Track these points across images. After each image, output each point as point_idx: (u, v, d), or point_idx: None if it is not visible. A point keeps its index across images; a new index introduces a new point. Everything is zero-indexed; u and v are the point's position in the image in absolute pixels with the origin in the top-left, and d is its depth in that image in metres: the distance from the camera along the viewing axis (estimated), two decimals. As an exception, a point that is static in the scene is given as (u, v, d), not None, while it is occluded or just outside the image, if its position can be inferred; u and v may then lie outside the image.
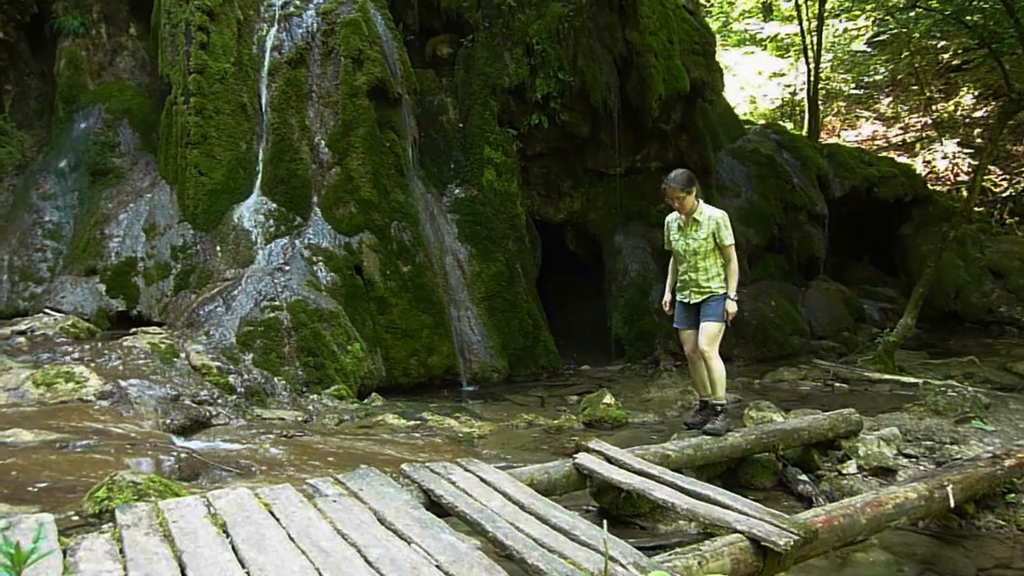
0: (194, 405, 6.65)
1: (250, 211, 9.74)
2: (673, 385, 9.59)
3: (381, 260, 9.88)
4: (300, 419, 7.15)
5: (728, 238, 5.36)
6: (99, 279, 9.45)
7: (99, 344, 7.69)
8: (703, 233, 5.39)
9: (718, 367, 5.38)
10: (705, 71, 13.88)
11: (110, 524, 3.27)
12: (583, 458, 4.48)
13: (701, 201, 5.48)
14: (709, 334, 5.34)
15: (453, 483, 3.94)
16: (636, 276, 12.50)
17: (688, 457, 4.97)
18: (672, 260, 5.76)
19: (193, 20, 10.01)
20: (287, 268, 9.21)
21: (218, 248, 9.50)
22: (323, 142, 10.28)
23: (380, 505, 3.56)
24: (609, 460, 4.49)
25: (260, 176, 10.08)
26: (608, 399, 7.73)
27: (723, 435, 5.16)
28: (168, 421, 6.17)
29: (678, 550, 3.40)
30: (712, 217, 5.39)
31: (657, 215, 13.27)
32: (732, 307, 5.35)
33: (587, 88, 12.22)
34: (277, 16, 10.85)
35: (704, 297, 5.41)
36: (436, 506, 3.74)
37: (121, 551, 2.99)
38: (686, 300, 5.54)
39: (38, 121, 11.69)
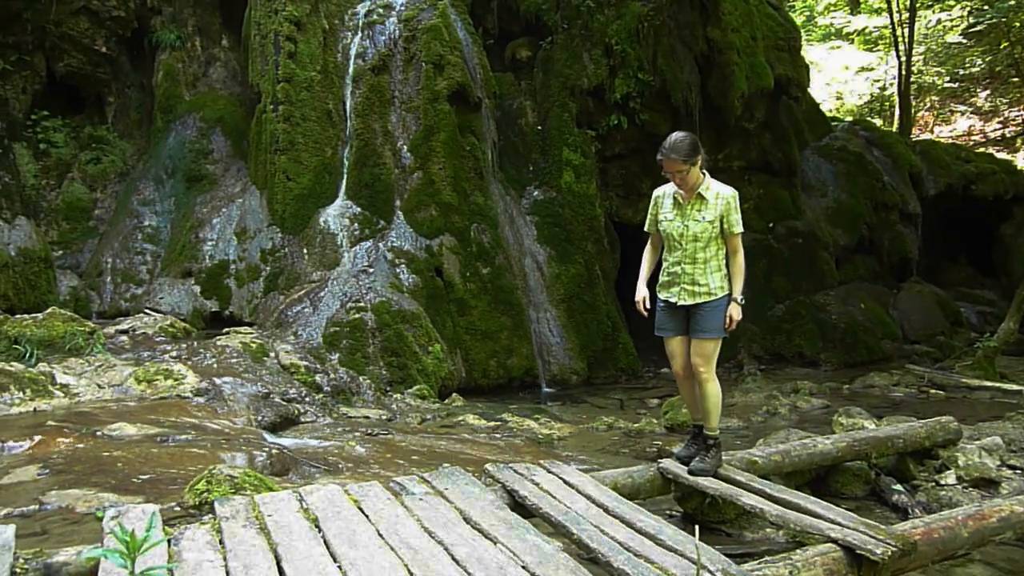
0: (283, 403, 6.87)
1: (336, 215, 10.02)
2: (757, 390, 9.35)
3: (461, 262, 10.00)
4: (384, 418, 7.30)
5: (739, 224, 4.26)
6: (194, 281, 9.90)
7: (195, 343, 8.04)
8: (709, 215, 4.22)
9: (714, 391, 4.37)
10: (790, 67, 13.51)
11: (210, 516, 3.41)
12: (668, 463, 4.42)
13: (707, 174, 4.33)
14: (706, 352, 4.28)
15: (537, 484, 3.95)
16: (718, 278, 12.24)
17: (775, 464, 4.84)
18: (648, 247, 4.63)
19: (281, 31, 10.36)
20: (371, 270, 9.42)
21: (305, 251, 9.81)
22: (405, 147, 10.48)
23: (465, 504, 3.60)
24: (694, 465, 4.41)
25: (345, 181, 10.36)
26: (690, 403, 7.59)
27: (712, 472, 4.28)
28: (259, 418, 6.40)
29: (768, 558, 3.32)
30: (722, 195, 4.23)
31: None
32: (737, 313, 4.27)
33: (667, 87, 12.07)
34: (361, 24, 11.13)
35: (698, 300, 4.27)
36: (520, 507, 3.75)
37: (221, 542, 3.12)
38: (674, 300, 4.35)
39: (138, 131, 12.32)
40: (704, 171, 4.29)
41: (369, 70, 10.75)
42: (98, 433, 5.38)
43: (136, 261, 10.41)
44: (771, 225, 13.08)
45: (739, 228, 4.28)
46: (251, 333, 8.32)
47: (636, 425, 7.62)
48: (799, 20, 22.87)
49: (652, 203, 4.52)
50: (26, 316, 7.41)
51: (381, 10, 11.22)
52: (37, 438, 5.16)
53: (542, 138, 11.88)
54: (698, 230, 4.26)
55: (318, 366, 7.93)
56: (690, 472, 4.29)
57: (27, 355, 6.77)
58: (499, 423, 7.51)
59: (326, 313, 8.71)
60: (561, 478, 4.08)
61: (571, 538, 3.45)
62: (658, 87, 12.01)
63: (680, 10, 12.25)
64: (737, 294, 4.29)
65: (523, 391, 9.96)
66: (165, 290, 9.81)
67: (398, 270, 9.61)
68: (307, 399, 7.27)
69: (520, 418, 7.73)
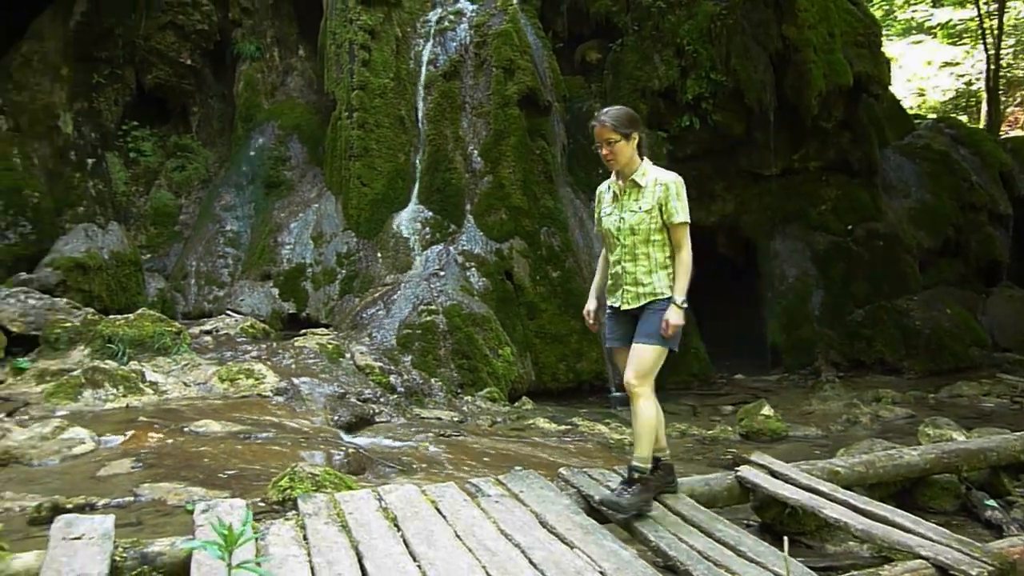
0: (359, 403, 7.02)
1: (408, 219, 10.18)
2: (836, 398, 9.07)
3: (531, 265, 10.02)
4: (455, 419, 7.38)
5: (680, 213, 3.70)
6: (272, 283, 10.21)
7: (273, 344, 8.30)
8: (646, 203, 3.74)
9: (648, 412, 3.73)
10: (870, 64, 13.06)
11: (293, 512, 3.51)
12: (746, 471, 4.33)
13: (647, 160, 3.85)
14: (642, 361, 3.70)
15: (612, 490, 3.92)
16: (794, 282, 11.95)
17: (859, 475, 4.67)
18: (603, 253, 4.19)
19: (356, 39, 10.60)
20: (442, 274, 9.54)
21: (379, 254, 10.00)
22: (476, 151, 10.57)
23: (541, 508, 3.61)
24: (774, 474, 4.31)
25: (417, 185, 10.52)
26: (767, 410, 7.43)
27: (628, 512, 3.60)
28: (336, 417, 6.55)
29: (854, 573, 3.22)
30: (660, 181, 3.75)
31: (818, 217, 12.66)
32: (676, 317, 3.66)
33: (741, 87, 11.83)
34: (432, 31, 11.29)
35: (643, 302, 3.77)
36: (595, 512, 3.73)
37: (304, 538, 3.22)
38: (616, 304, 3.89)
39: (220, 139, 12.79)
40: (644, 157, 3.84)
41: (440, 76, 10.89)
42: (185, 429, 5.61)
43: (218, 264, 10.80)
44: (850, 227, 12.67)
45: (680, 217, 3.71)
46: (327, 335, 8.53)
47: (710, 432, 7.49)
48: (878, 14, 22.11)
49: (595, 201, 4.13)
50: (118, 316, 7.78)
51: (452, 17, 11.35)
52: (130, 433, 5.42)
53: (612, 141, 11.80)
54: (634, 222, 3.76)
55: (392, 367, 8.07)
56: (598, 502, 3.70)
57: (119, 354, 7.11)
58: (569, 427, 7.49)
59: (399, 316, 8.86)
60: (636, 484, 4.04)
61: (648, 545, 3.42)
62: (731, 87, 11.79)
63: (754, 8, 11.99)
64: (679, 295, 3.70)
65: (592, 395, 9.91)
66: (245, 292, 10.15)
67: (468, 273, 9.69)
68: (381, 399, 7.41)
69: (590, 422, 7.70)
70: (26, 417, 5.79)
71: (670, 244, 3.79)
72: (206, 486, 4.36)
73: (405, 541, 3.21)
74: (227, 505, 3.47)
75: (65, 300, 8.08)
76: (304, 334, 8.55)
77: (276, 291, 10.14)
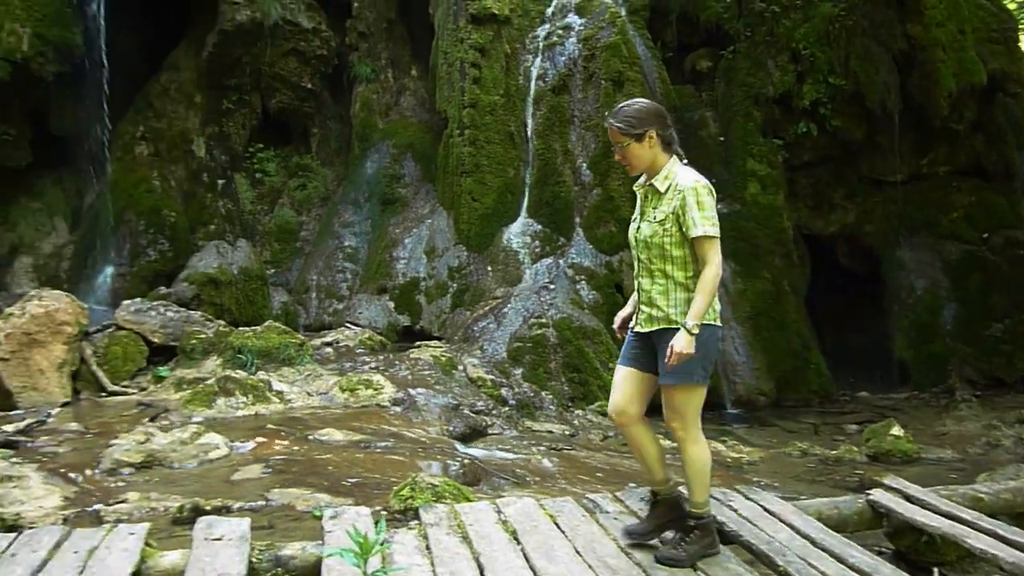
0: (472, 415, 7.13)
1: (518, 233, 10.30)
2: (974, 418, 8.47)
3: (642, 278, 9.90)
4: (567, 433, 7.36)
5: (700, 224, 3.14)
6: (388, 297, 10.55)
7: (390, 355, 8.55)
8: (661, 213, 3.25)
9: (697, 456, 3.36)
10: (1005, 60, 12.20)
11: (416, 522, 3.59)
12: (879, 495, 4.10)
13: (675, 160, 3.32)
14: (673, 404, 3.28)
15: (734, 510, 3.81)
16: (923, 294, 11.26)
17: (1005, 502, 4.34)
18: None
19: (467, 58, 10.84)
20: (552, 287, 9.57)
21: (489, 268, 10.15)
22: (584, 164, 10.58)
23: (661, 526, 3.54)
24: (909, 499, 4.06)
25: (527, 199, 10.62)
26: (896, 430, 7.03)
27: (689, 564, 3.20)
28: (451, 428, 6.67)
29: (1007, 609, 2.98)
30: (681, 188, 3.21)
31: (949, 225, 11.90)
32: (682, 344, 3.11)
33: (861, 90, 11.31)
34: (541, 47, 11.40)
35: (655, 327, 3.30)
36: (718, 532, 3.62)
37: (427, 548, 3.28)
38: (634, 325, 3.46)
39: (338, 158, 13.34)
40: (674, 156, 3.32)
41: (549, 91, 10.97)
42: (310, 437, 5.85)
43: (337, 278, 11.26)
44: (985, 236, 11.83)
45: (698, 230, 3.14)
46: (440, 347, 8.71)
47: (834, 452, 7.15)
48: (1013, 7, 20.64)
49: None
50: (247, 329, 8.22)
51: (561, 31, 11.42)
52: (259, 440, 5.70)
53: (724, 149, 11.54)
54: (648, 234, 3.28)
55: (503, 380, 8.15)
56: (658, 560, 3.24)
57: (248, 364, 7.51)
58: (684, 443, 7.32)
59: (510, 328, 8.94)
60: (760, 505, 3.91)
61: (776, 569, 3.29)
62: (851, 90, 11.29)
63: (875, 8, 11.45)
64: (691, 319, 3.13)
65: (707, 411, 9.57)
66: (363, 305, 10.53)
67: (578, 286, 9.68)
68: (493, 411, 7.49)
69: (706, 439, 7.49)
70: (167, 422, 6.20)
71: (695, 262, 3.23)
72: (331, 493, 4.52)
73: (525, 555, 3.22)
74: (353, 513, 3.58)
75: (199, 313, 8.62)
76: (418, 346, 8.77)
77: (392, 304, 10.46)
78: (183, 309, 8.48)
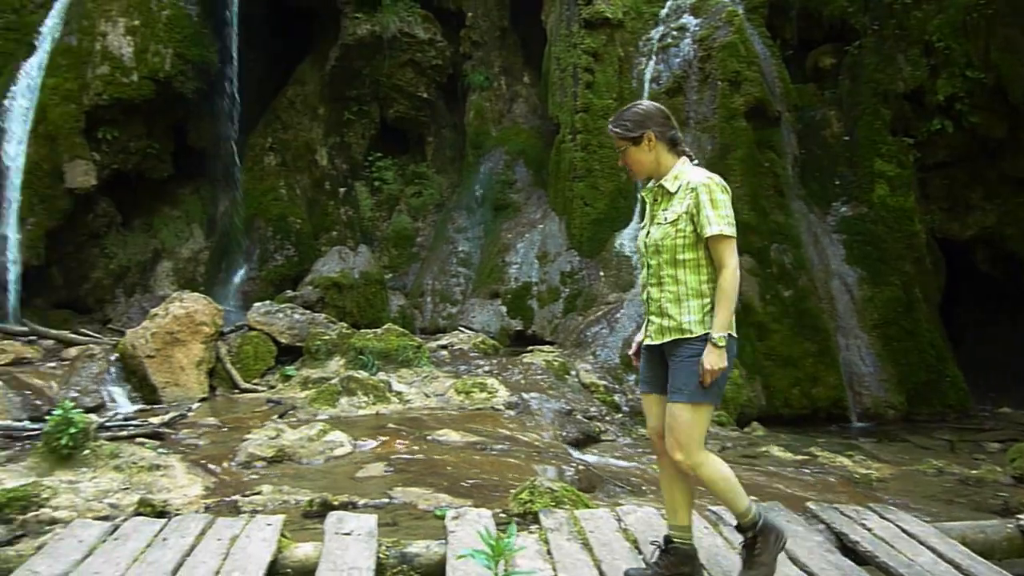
0: (585, 420, 7.10)
1: (630, 238, 10.18)
2: None
3: (760, 284, 9.59)
4: (683, 442, 7.21)
5: (715, 223, 2.95)
6: (501, 301, 10.68)
7: (503, 359, 8.65)
8: (671, 213, 3.05)
9: (715, 475, 3.02)
10: None
11: (536, 526, 3.61)
12: (1031, 519, 3.80)
13: (685, 159, 3.15)
14: (678, 427, 2.98)
15: (869, 530, 3.62)
16: (1077, 302, 10.36)
17: None
18: None
19: (580, 63, 10.84)
20: (666, 292, 9.40)
21: (601, 273, 10.10)
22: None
23: (789, 543, 3.40)
24: (1067, 525, 3.74)
25: (639, 204, 10.50)
26: (1046, 450, 6.47)
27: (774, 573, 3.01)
28: (564, 433, 6.67)
29: None
30: (693, 185, 3.02)
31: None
32: (714, 359, 2.91)
33: (1003, 84, 10.53)
34: (655, 49, 11.24)
35: (667, 338, 3.05)
36: (850, 552, 3.46)
37: (548, 552, 3.29)
38: (643, 338, 3.22)
39: (451, 166, 13.64)
40: (683, 156, 3.13)
41: (663, 93, 10.80)
42: (428, 438, 6.00)
43: (451, 283, 11.51)
44: None
45: (714, 228, 2.93)
46: (553, 352, 8.74)
47: (974, 472, 6.66)
48: None
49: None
50: (367, 331, 8.52)
51: (675, 33, 11.23)
52: (381, 439, 5.89)
53: (850, 149, 11.02)
54: (658, 237, 3.06)
55: (616, 386, 8.09)
56: None
57: (369, 365, 7.77)
58: (807, 457, 7.03)
59: (622, 334, 8.85)
60: (897, 525, 3.70)
61: (917, 594, 3.11)
62: (991, 84, 10.53)
63: (1020, -5, 10.66)
64: (717, 331, 2.93)
65: (830, 423, 9.23)
66: (476, 309, 10.70)
67: (694, 292, 9.48)
68: (606, 418, 7.44)
69: (831, 453, 7.17)
70: (294, 419, 6.51)
71: (709, 266, 3.02)
72: (451, 493, 4.61)
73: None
74: (475, 514, 3.64)
75: (323, 315, 9.02)
76: (531, 350, 8.83)
77: (504, 308, 10.58)
78: (308, 311, 8.89)
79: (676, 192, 3.07)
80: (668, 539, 3.14)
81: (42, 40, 11.37)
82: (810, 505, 3.96)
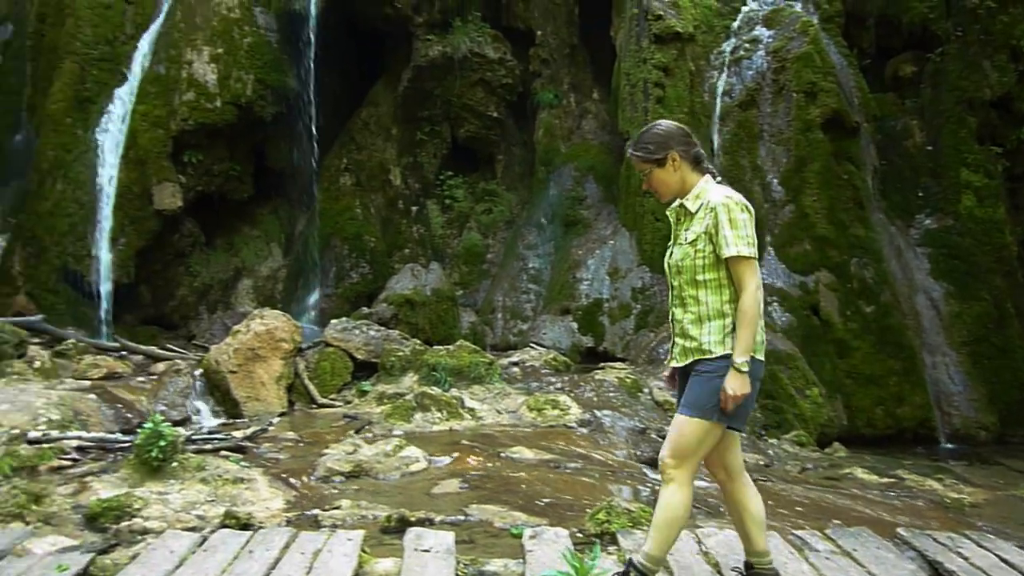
0: (659, 439, 6.98)
1: (702, 253, 10.03)
2: None
3: (840, 300, 9.31)
4: (760, 463, 7.02)
5: (733, 244, 2.93)
6: (571, 318, 10.64)
7: (574, 376, 8.60)
8: (692, 234, 3.06)
9: (673, 501, 3.00)
10: None
11: (614, 547, 3.57)
12: None
13: (708, 178, 3.13)
14: (679, 437, 3.00)
15: (965, 559, 3.45)
16: None
17: None
18: None
19: (650, 78, 10.78)
20: (740, 308, 9.21)
21: (673, 289, 9.96)
22: (775, 180, 10.14)
23: (880, 570, 3.29)
24: None
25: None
26: None
27: None
28: (638, 452, 6.58)
29: None
30: (712, 204, 3.00)
31: None
32: (735, 385, 2.89)
33: (1101, 88, 10.02)
34: (727, 61, 11.10)
35: (690, 359, 3.06)
36: (947, 582, 3.31)
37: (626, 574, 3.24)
38: (669, 360, 3.25)
39: (521, 183, 13.71)
40: (706, 175, 3.12)
41: (736, 106, 10.65)
42: (502, 455, 6.00)
43: (522, 300, 11.55)
44: None
45: (732, 250, 2.91)
46: (625, 369, 8.65)
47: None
48: None
49: None
50: (440, 347, 8.60)
51: (748, 45, 11.07)
52: (455, 455, 5.93)
53: (933, 159, 10.62)
54: (679, 257, 3.07)
55: (690, 405, 7.94)
56: None
57: (442, 381, 7.85)
58: (893, 480, 6.76)
59: (696, 351, 8.70)
60: (996, 554, 3.52)
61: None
62: (1089, 89, 10.03)
63: (1118, -6, 10.14)
64: (739, 355, 2.90)
65: (916, 445, 8.85)
66: (547, 326, 10.69)
67: (770, 308, 9.25)
68: (681, 437, 7.30)
69: (918, 476, 6.87)
70: (370, 435, 6.61)
71: (731, 286, 2.99)
72: (526, 512, 4.60)
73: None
74: (552, 534, 3.63)
75: (397, 332, 9.16)
76: (603, 367, 8.76)
77: (575, 325, 10.54)
78: (383, 328, 9.05)
79: (696, 212, 3.07)
80: (748, 564, 3.13)
81: (133, 69, 11.99)
82: (901, 531, 3.80)
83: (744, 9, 11.80)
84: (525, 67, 13.45)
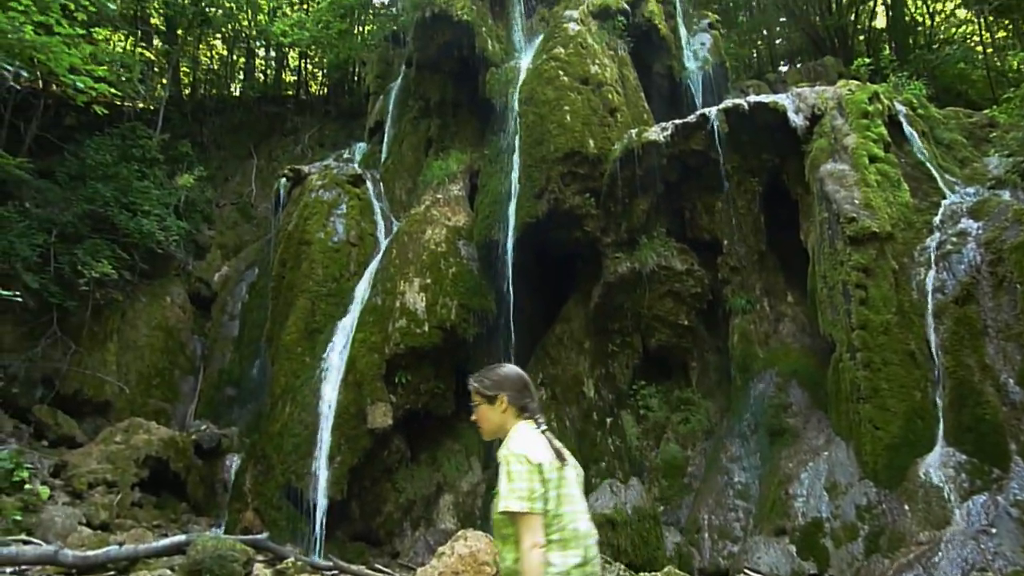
0: None
1: (937, 464, 8.98)
2: None
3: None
4: None
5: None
6: (788, 540, 9.68)
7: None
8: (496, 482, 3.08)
9: None
10: None
11: None
12: None
13: (524, 426, 3.14)
14: None
15: None
16: None
17: None
18: None
19: (849, 280, 10.44)
20: (993, 531, 8.00)
21: (906, 507, 8.88)
22: (1012, 380, 9.12)
23: None
24: None
25: (942, 425, 9.35)
26: None
27: None
28: None
29: None
30: (499, 458, 3.01)
31: None
32: None
33: None
34: (933, 257, 10.56)
35: None
36: None
37: None
38: None
39: (718, 389, 13.32)
40: (521, 423, 3.13)
41: (951, 303, 9.95)
42: None
43: (729, 517, 10.74)
44: None
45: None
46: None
47: None
48: None
49: None
50: (646, 575, 8.09)
51: (955, 239, 10.52)
52: None
53: None
54: (492, 507, 3.07)
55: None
56: None
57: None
58: None
59: (945, 583, 7.55)
60: None
61: None
62: None
63: None
64: None
65: None
66: (760, 548, 9.78)
67: None
68: None
69: None
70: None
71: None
72: None
73: None
74: None
75: (599, 555, 8.76)
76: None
77: (793, 548, 9.57)
78: (584, 550, 8.69)
79: (500, 463, 3.08)
80: None
81: (354, 302, 13.45)
82: None
83: (945, 202, 11.39)
84: (713, 275, 13.56)
